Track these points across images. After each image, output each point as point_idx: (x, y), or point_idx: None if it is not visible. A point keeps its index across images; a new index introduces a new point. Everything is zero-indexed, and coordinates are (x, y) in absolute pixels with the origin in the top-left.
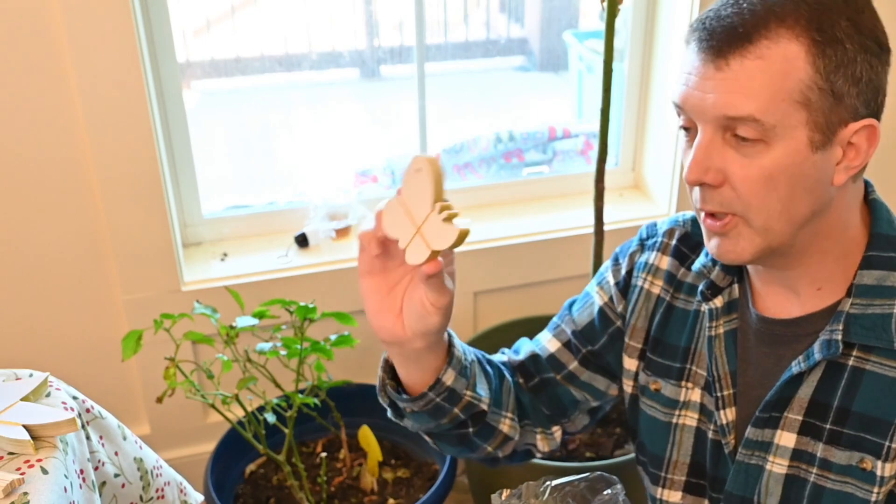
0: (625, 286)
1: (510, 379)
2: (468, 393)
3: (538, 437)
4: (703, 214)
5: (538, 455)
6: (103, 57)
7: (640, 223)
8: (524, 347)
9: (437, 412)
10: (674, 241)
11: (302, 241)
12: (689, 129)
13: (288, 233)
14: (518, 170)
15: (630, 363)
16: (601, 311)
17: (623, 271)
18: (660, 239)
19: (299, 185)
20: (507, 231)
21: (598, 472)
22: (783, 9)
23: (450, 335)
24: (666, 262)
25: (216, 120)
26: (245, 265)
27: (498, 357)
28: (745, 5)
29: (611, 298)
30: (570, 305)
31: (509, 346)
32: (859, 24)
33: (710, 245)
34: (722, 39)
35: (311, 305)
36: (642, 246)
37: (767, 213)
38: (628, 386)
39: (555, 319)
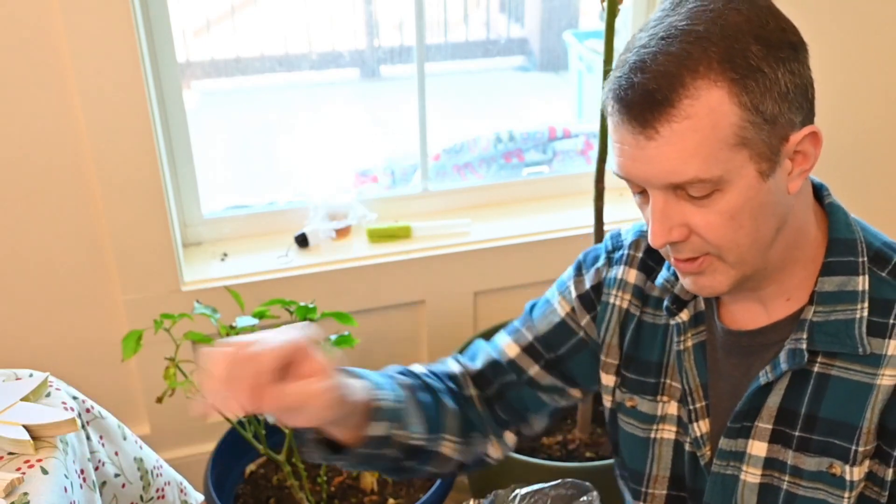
0: (589, 301)
1: (454, 396)
2: (401, 433)
3: (490, 445)
4: (676, 262)
5: (492, 462)
6: (103, 57)
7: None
8: (481, 353)
9: (370, 459)
10: (640, 254)
11: (302, 241)
12: (642, 193)
13: (288, 233)
14: (518, 170)
15: (607, 379)
16: (563, 321)
17: (587, 284)
18: (626, 252)
19: (299, 185)
20: (507, 231)
21: (570, 480)
22: (691, 58)
23: (375, 385)
24: (633, 276)
25: (216, 120)
26: (245, 265)
27: (445, 367)
28: (653, 66)
29: (573, 310)
30: (531, 309)
31: None
32: (769, 40)
33: (686, 282)
34: (644, 109)
35: (311, 305)
36: (609, 260)
37: (738, 249)
38: (607, 401)
39: (515, 323)
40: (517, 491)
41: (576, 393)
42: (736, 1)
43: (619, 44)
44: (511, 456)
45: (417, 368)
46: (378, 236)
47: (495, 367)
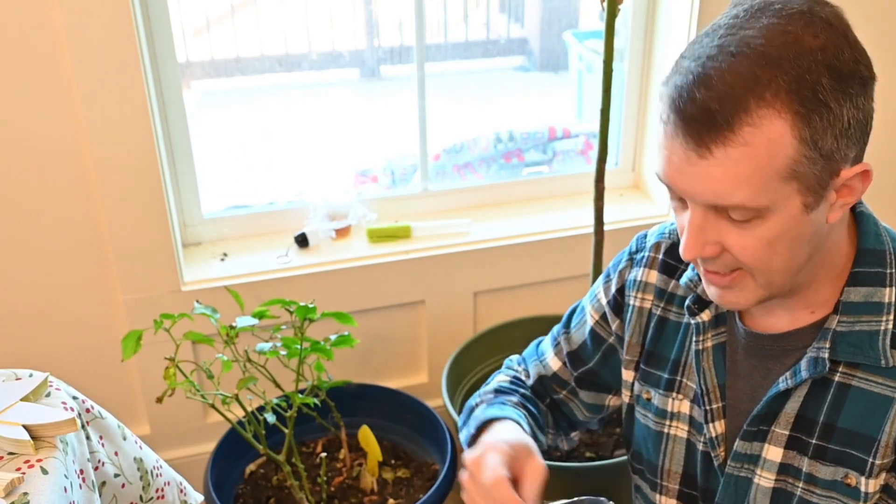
0: (616, 305)
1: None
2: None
3: (560, 440)
4: (703, 269)
5: (559, 453)
6: (103, 57)
7: (640, 223)
8: (532, 366)
9: None
10: (660, 256)
11: (302, 241)
12: (680, 199)
13: (288, 233)
14: (518, 170)
15: (627, 374)
16: (593, 331)
17: (613, 289)
18: (647, 254)
19: (299, 185)
20: (507, 231)
21: (588, 497)
22: (759, 83)
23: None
24: (654, 277)
25: (216, 120)
26: (245, 265)
27: (511, 377)
28: (718, 84)
29: (602, 317)
30: (570, 318)
31: (508, 346)
32: (841, 73)
33: (711, 292)
34: (701, 127)
35: (311, 305)
36: (631, 261)
37: (770, 272)
38: (626, 396)
39: (557, 330)
40: None
41: (614, 402)
42: (816, 25)
43: (619, 44)
44: None
45: (515, 385)
46: (378, 236)
47: (543, 382)
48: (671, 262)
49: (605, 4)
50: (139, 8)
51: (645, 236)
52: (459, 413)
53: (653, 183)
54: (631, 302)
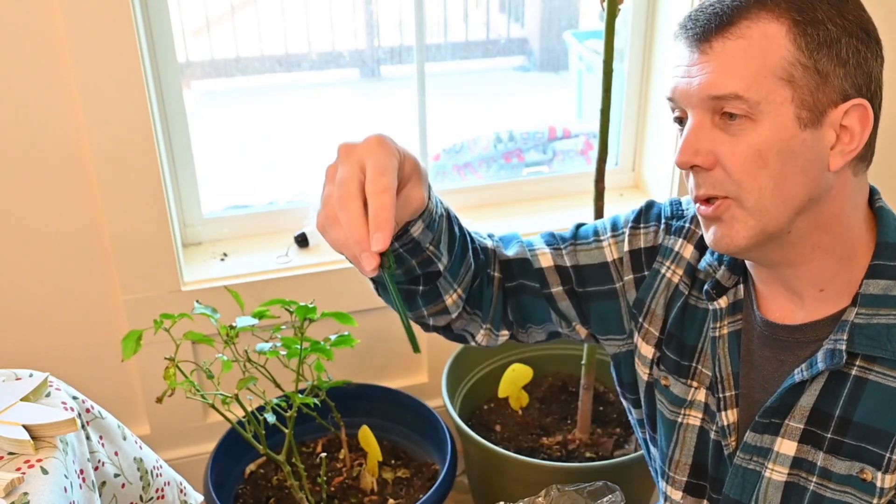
0: (639, 261)
1: (482, 264)
2: (430, 248)
3: (482, 330)
4: (698, 205)
5: (472, 344)
6: (103, 57)
7: None
8: (515, 245)
9: (397, 261)
10: (701, 231)
11: (302, 241)
12: (683, 121)
13: (288, 233)
14: (518, 170)
15: (647, 350)
16: (606, 264)
17: (642, 243)
18: (687, 225)
19: (299, 185)
20: (507, 231)
21: (603, 482)
22: None
23: (429, 186)
24: (689, 252)
25: (216, 120)
26: (245, 265)
27: (482, 239)
28: None
29: (621, 260)
30: (577, 230)
31: (508, 346)
32: (842, 10)
33: (707, 236)
34: (705, 26)
35: (310, 305)
36: (668, 227)
37: (760, 192)
38: (644, 373)
39: (557, 233)
40: (557, 487)
41: (581, 331)
42: None
43: (619, 44)
44: (511, 456)
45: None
46: None
47: (524, 265)
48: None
49: (605, 4)
50: (139, 8)
51: (680, 203)
52: (460, 414)
53: (653, 183)
54: (662, 270)
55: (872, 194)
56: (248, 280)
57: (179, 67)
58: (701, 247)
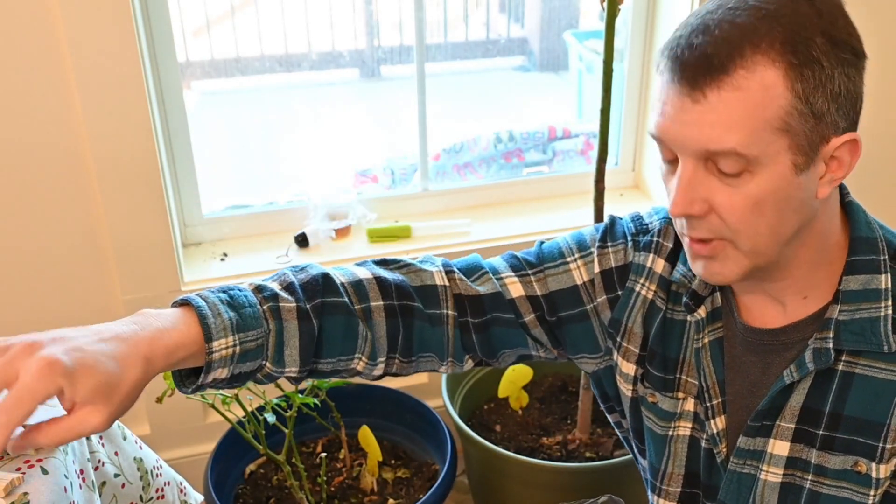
0: (611, 281)
1: (410, 313)
2: (259, 376)
3: (443, 366)
4: (688, 240)
5: (440, 372)
6: (103, 57)
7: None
8: (484, 280)
9: (233, 384)
10: (670, 244)
11: (302, 241)
12: (671, 161)
13: (288, 233)
14: (518, 170)
15: (627, 367)
16: (576, 287)
17: (612, 262)
18: (655, 239)
19: (299, 185)
20: (508, 231)
21: (608, 496)
22: (756, 33)
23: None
24: (661, 266)
25: (216, 120)
26: (245, 265)
27: (423, 277)
28: (716, 32)
29: (592, 282)
30: (541, 252)
31: None
32: (834, 38)
33: (696, 266)
34: (696, 71)
35: None
36: (635, 244)
37: (756, 238)
38: (627, 390)
39: (521, 256)
40: None
41: (557, 353)
42: None
43: (619, 44)
44: (511, 456)
45: (363, 274)
46: (378, 236)
47: (496, 300)
48: (677, 253)
49: (605, 4)
50: (139, 8)
51: (641, 218)
52: (460, 414)
53: (653, 183)
54: (636, 289)
55: (841, 189)
56: (247, 280)
57: (179, 67)
58: (672, 259)
